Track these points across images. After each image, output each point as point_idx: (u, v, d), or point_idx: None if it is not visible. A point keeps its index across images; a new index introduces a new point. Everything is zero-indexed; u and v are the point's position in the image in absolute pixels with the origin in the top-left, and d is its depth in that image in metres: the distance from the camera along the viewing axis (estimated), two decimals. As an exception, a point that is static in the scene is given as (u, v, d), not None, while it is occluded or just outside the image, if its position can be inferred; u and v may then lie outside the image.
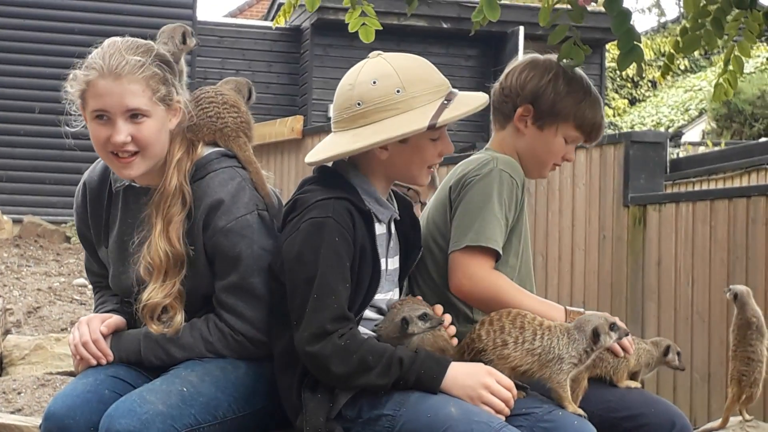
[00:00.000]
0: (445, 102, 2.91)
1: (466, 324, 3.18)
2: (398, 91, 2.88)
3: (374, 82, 2.90)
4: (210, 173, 3.00)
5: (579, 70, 3.38)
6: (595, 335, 2.91)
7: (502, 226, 3.16)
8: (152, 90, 2.90)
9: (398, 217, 3.08)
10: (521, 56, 3.44)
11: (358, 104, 2.91)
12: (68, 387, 2.93)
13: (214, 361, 2.95)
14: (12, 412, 4.98)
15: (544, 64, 3.35)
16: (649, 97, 26.51)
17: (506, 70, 3.41)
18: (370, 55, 3.00)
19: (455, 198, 3.21)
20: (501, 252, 3.15)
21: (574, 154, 3.42)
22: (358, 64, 2.99)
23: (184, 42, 3.61)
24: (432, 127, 2.86)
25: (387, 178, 3.03)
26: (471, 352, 2.94)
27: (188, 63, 3.57)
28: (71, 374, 3.62)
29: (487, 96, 3.05)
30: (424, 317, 2.88)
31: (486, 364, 2.87)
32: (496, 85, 3.42)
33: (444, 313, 3.01)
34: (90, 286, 3.32)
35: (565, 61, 3.37)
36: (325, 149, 2.99)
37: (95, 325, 3.00)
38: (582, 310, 3.16)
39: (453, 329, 3.03)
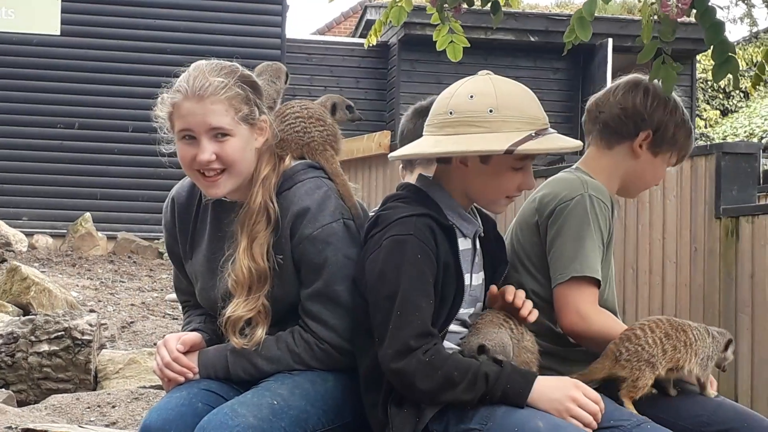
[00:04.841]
0: (533, 134, 2.86)
1: (553, 338, 3.19)
2: (491, 111, 2.86)
3: (471, 97, 2.89)
4: (296, 183, 3.04)
5: (676, 97, 3.37)
6: (727, 347, 3.15)
7: (601, 254, 3.15)
8: (235, 109, 2.95)
9: (482, 233, 3.08)
10: (629, 75, 3.38)
11: (450, 113, 2.90)
12: (163, 401, 2.97)
13: (303, 374, 2.97)
14: (107, 425, 5.07)
15: (663, 93, 3.35)
16: (741, 107, 26.07)
17: (623, 90, 3.36)
18: (480, 72, 2.99)
19: (547, 223, 3.20)
20: (601, 282, 3.15)
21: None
22: (465, 78, 2.98)
23: (285, 82, 3.63)
24: (509, 152, 2.82)
25: (467, 196, 3.01)
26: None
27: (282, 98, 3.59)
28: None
29: (579, 143, 2.99)
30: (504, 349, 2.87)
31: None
32: (612, 102, 3.36)
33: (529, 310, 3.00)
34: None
35: (656, 82, 3.34)
36: (407, 148, 3.03)
37: (172, 345, 3.06)
38: None
39: (533, 317, 3.00)
